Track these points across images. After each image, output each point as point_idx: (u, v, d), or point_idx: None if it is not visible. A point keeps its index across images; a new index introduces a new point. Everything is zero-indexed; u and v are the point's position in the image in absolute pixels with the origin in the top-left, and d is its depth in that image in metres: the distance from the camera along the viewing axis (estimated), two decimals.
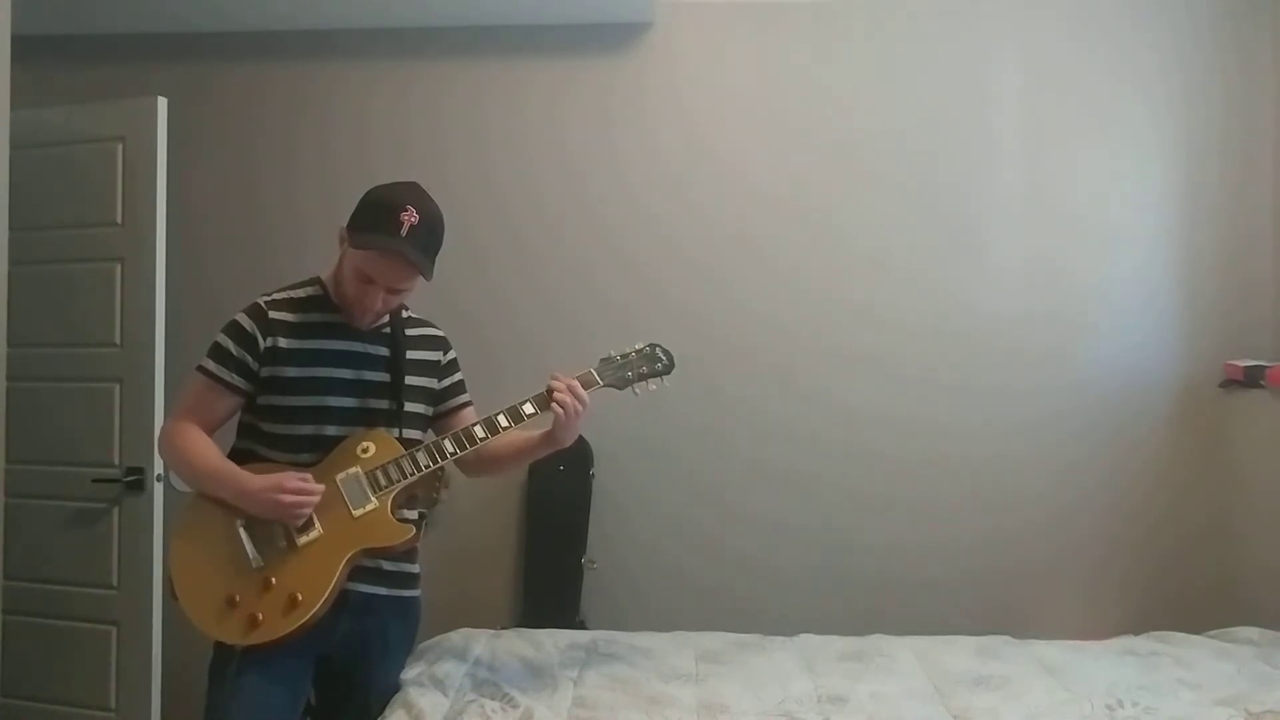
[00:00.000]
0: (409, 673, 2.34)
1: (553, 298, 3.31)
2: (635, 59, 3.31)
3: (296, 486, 1.86)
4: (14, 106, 2.50)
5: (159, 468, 2.80)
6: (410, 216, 1.87)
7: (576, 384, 2.00)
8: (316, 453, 1.95)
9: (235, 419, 2.02)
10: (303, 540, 1.89)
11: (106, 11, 3.23)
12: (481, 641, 2.59)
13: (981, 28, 3.26)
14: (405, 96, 3.34)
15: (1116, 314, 3.22)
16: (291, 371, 1.94)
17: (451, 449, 1.98)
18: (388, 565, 2.02)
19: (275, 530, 1.89)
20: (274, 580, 1.87)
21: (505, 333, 3.27)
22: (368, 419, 1.98)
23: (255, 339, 1.94)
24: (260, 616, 1.84)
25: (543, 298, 3.31)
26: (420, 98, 3.34)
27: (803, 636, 2.73)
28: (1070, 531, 3.21)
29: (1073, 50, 3.24)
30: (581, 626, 3.05)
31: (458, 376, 2.16)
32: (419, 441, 2.01)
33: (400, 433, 1.99)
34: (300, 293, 2.03)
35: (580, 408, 1.99)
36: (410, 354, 2.05)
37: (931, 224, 3.25)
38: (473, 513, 3.30)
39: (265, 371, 1.94)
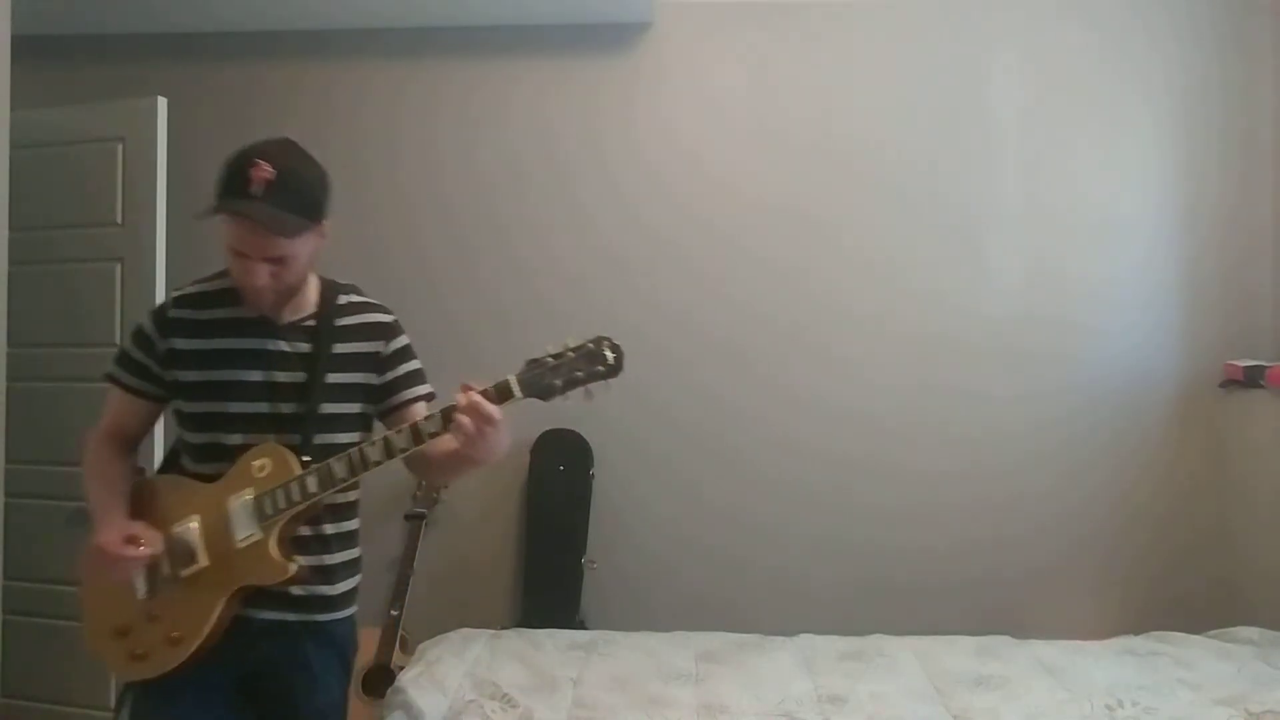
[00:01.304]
0: (409, 673, 2.34)
1: (549, 300, 3.29)
2: (634, 59, 3.30)
3: (108, 540, 1.69)
4: (14, 106, 2.50)
5: (157, 467, 2.79)
6: (261, 171, 1.66)
7: (480, 400, 1.66)
8: (221, 463, 1.77)
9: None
10: (185, 572, 1.73)
11: (106, 11, 3.23)
12: (481, 641, 2.59)
13: (981, 29, 3.26)
14: (402, 96, 3.34)
15: (1117, 315, 3.22)
16: (190, 375, 1.78)
17: (342, 473, 1.71)
18: (296, 590, 1.79)
19: (162, 558, 1.75)
20: (156, 614, 1.74)
21: (497, 335, 3.25)
22: (277, 425, 1.77)
23: (152, 342, 1.80)
24: (141, 652, 1.74)
25: (539, 301, 3.30)
26: (418, 97, 3.34)
27: (803, 636, 2.73)
28: (1070, 532, 3.21)
29: (1073, 51, 3.24)
30: (581, 626, 3.05)
31: (408, 368, 1.89)
32: (340, 448, 1.74)
33: (312, 440, 1.77)
34: (211, 285, 1.84)
35: (486, 428, 1.64)
36: (339, 347, 1.82)
37: (931, 227, 3.25)
38: (473, 513, 3.30)
39: (168, 375, 1.80)
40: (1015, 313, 3.23)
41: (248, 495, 1.73)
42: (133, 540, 1.71)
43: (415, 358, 1.90)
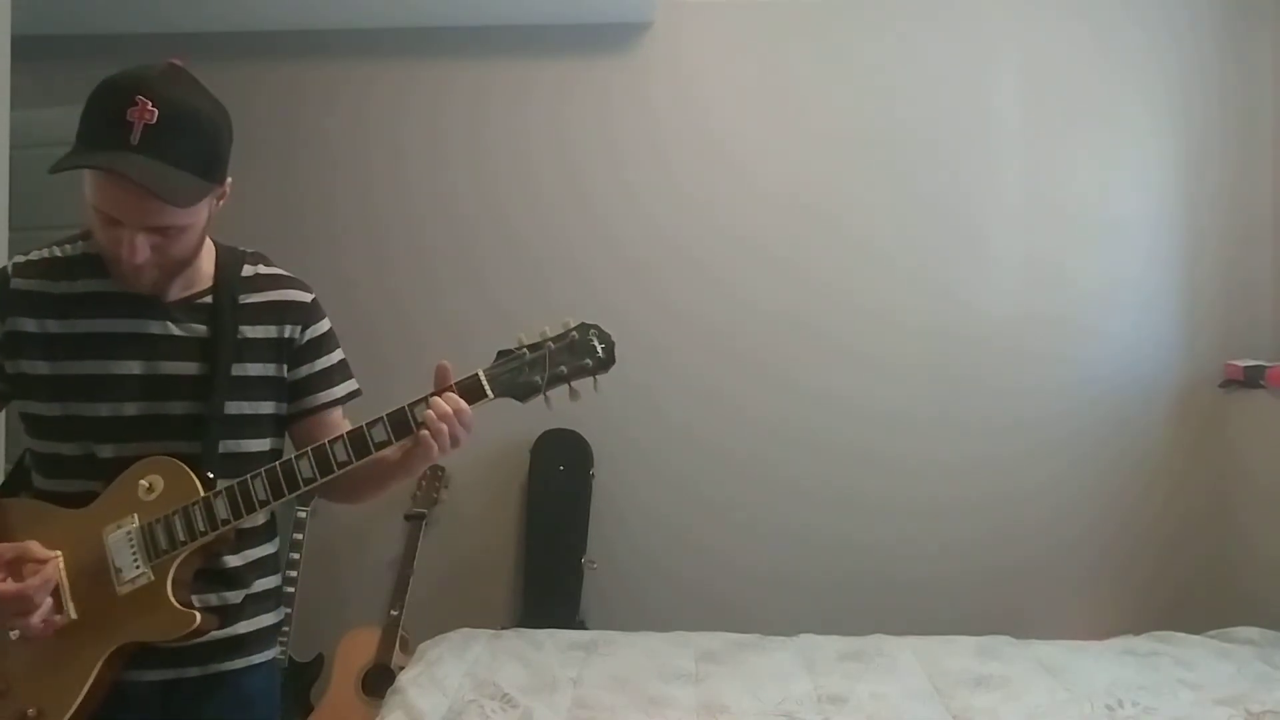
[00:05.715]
0: (409, 673, 2.34)
1: (554, 301, 3.29)
2: (635, 59, 3.30)
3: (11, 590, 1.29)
4: (14, 106, 2.50)
5: None
6: (143, 113, 1.25)
7: (464, 406, 1.39)
8: (89, 481, 1.39)
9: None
10: None
11: (106, 11, 3.22)
12: (481, 641, 2.59)
13: (982, 27, 3.26)
14: (405, 97, 3.34)
15: (1117, 314, 3.22)
16: (42, 366, 1.39)
17: (264, 495, 1.36)
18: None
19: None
20: (7, 685, 1.35)
21: (501, 337, 3.23)
22: (166, 431, 1.40)
23: None
24: None
25: (543, 302, 3.30)
26: (419, 98, 3.33)
27: (803, 636, 2.73)
28: (1070, 531, 3.21)
29: (1073, 50, 3.24)
30: (581, 626, 3.05)
31: (325, 363, 1.53)
32: (249, 459, 1.42)
33: (215, 449, 1.41)
34: (67, 250, 1.44)
35: (462, 437, 1.39)
36: (247, 330, 1.46)
37: (932, 224, 3.25)
38: (473, 513, 3.29)
39: (10, 366, 1.40)
40: (1015, 311, 3.23)
41: (131, 524, 1.35)
42: (38, 563, 1.31)
43: (337, 348, 1.56)
